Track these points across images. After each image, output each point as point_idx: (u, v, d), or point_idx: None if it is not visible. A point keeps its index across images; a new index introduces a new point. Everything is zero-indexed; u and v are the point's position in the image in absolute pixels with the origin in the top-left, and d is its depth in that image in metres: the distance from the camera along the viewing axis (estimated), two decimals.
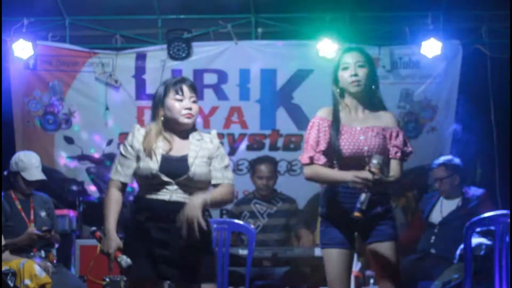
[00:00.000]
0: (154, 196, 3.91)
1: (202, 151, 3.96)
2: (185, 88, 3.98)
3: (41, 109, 7.50)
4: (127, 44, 7.52)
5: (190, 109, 3.96)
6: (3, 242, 5.33)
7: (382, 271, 4.06)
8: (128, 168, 3.98)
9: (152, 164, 3.90)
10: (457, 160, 6.25)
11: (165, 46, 7.35)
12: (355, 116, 4.11)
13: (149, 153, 3.92)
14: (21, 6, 7.09)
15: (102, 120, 7.47)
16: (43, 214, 5.71)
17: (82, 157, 7.49)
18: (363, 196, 3.91)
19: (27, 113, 7.50)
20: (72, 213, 6.57)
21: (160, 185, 3.90)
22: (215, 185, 3.99)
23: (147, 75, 7.48)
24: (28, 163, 5.65)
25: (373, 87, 4.12)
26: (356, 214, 3.89)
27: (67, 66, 7.49)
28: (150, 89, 7.47)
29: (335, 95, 4.15)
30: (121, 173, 3.98)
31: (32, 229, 5.47)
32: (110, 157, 7.45)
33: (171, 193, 3.90)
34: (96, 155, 7.48)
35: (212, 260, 4.01)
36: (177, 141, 3.99)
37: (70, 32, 7.47)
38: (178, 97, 3.96)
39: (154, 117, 4.03)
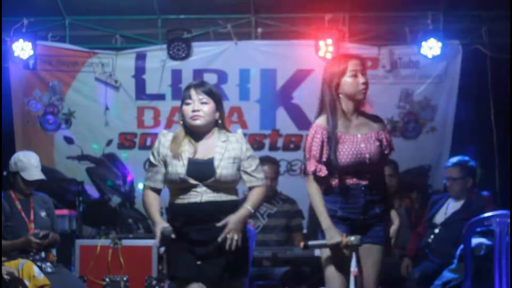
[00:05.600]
0: (186, 201, 4.06)
1: (228, 153, 4.11)
2: (192, 92, 4.13)
3: (41, 109, 7.50)
4: (127, 44, 7.52)
5: (197, 110, 4.09)
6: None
7: (368, 272, 4.18)
8: (157, 173, 4.14)
9: (180, 169, 4.05)
10: (473, 163, 6.18)
11: (165, 46, 7.36)
12: (351, 122, 4.20)
13: (176, 158, 4.07)
14: (21, 6, 7.09)
15: (102, 120, 7.47)
16: (43, 214, 5.70)
17: (82, 157, 7.50)
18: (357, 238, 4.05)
19: (27, 113, 7.50)
20: (72, 213, 6.56)
21: (189, 189, 4.05)
22: (250, 188, 4.22)
23: (147, 75, 7.49)
24: (28, 163, 5.64)
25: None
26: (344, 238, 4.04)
27: (67, 66, 7.49)
28: (150, 89, 7.47)
29: (332, 100, 4.19)
30: (154, 180, 4.15)
31: (32, 236, 5.45)
32: (110, 157, 7.46)
33: (201, 195, 4.06)
34: (96, 155, 7.49)
35: (247, 256, 4.21)
36: (201, 143, 4.13)
37: (70, 32, 7.47)
38: (187, 101, 4.13)
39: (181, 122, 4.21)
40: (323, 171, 4.11)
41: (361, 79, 4.18)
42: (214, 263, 4.02)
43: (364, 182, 4.13)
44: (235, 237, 4.01)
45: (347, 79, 4.18)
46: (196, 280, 4.02)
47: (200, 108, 4.09)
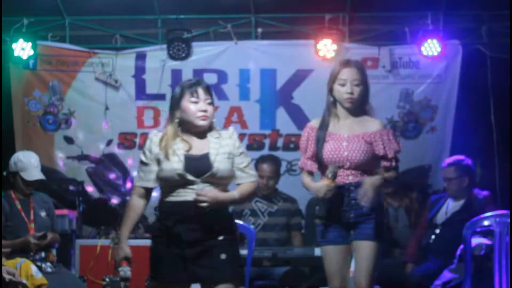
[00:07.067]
0: (181, 198, 3.97)
1: (222, 148, 4.04)
2: (200, 91, 4.05)
3: (41, 109, 7.50)
4: (127, 44, 7.52)
5: (205, 111, 4.04)
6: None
7: (358, 269, 4.33)
8: (150, 173, 4.05)
9: (176, 164, 3.97)
10: (468, 161, 6.19)
11: (165, 46, 7.35)
12: (343, 124, 4.42)
13: (171, 154, 3.99)
14: (21, 6, 7.09)
15: (102, 120, 7.47)
16: (43, 214, 5.71)
17: (82, 157, 7.50)
18: (330, 169, 4.30)
19: (27, 113, 7.50)
20: (72, 213, 6.56)
21: (185, 186, 3.97)
22: (239, 184, 4.10)
23: (147, 75, 7.48)
24: (27, 163, 5.64)
25: (365, 99, 4.44)
26: (325, 181, 4.28)
27: (67, 66, 7.49)
28: (150, 89, 7.48)
29: (328, 103, 4.46)
30: (143, 178, 4.07)
31: (30, 236, 5.45)
32: (110, 157, 7.46)
33: None
34: (96, 155, 7.49)
35: (237, 261, 4.09)
36: (195, 140, 4.07)
37: (70, 32, 7.47)
38: (193, 99, 4.04)
39: (171, 120, 4.12)
40: (308, 166, 4.44)
41: (347, 89, 4.36)
42: (204, 263, 3.94)
43: (348, 181, 4.33)
44: (205, 204, 3.90)
45: (336, 86, 4.42)
46: (182, 283, 3.98)
47: (207, 108, 4.05)
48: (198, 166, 3.97)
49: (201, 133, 4.08)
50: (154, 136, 4.10)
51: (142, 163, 4.07)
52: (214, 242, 3.95)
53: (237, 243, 4.08)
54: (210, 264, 3.94)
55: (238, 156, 4.08)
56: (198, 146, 4.04)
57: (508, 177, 6.69)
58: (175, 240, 3.95)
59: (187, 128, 4.07)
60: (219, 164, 3.99)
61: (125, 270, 3.97)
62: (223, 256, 3.93)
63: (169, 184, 4.00)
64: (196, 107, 4.04)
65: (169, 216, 3.98)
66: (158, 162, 4.01)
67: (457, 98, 7.33)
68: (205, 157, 4.00)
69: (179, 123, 4.08)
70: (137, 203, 4.08)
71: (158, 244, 4.02)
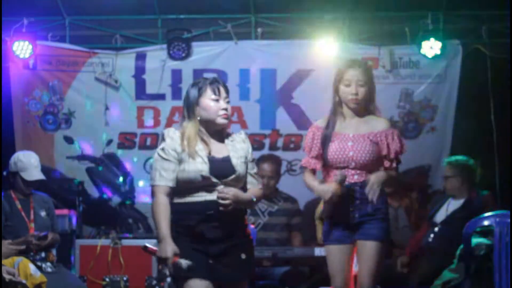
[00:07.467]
0: (201, 198, 3.94)
1: (239, 152, 4.04)
2: (221, 88, 4.02)
3: (41, 109, 7.50)
4: (127, 44, 7.52)
5: (226, 109, 4.01)
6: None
7: (361, 268, 4.35)
8: (173, 172, 3.95)
9: (200, 166, 3.92)
10: (466, 161, 6.20)
11: (165, 46, 7.35)
12: (349, 123, 4.44)
13: (194, 155, 3.93)
14: (21, 6, 7.09)
15: (102, 120, 7.47)
16: (43, 214, 5.71)
17: (82, 157, 7.50)
18: (339, 174, 4.34)
19: (27, 113, 7.49)
20: (72, 213, 6.56)
21: (208, 187, 3.93)
22: (247, 188, 4.09)
23: (147, 75, 7.48)
24: (27, 163, 5.65)
25: (371, 99, 4.46)
26: (333, 185, 4.31)
27: (67, 66, 7.49)
28: (150, 89, 7.47)
29: (334, 103, 4.49)
30: (166, 178, 3.95)
31: (31, 237, 5.45)
32: (110, 157, 7.46)
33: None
34: (96, 155, 7.48)
35: (254, 260, 4.14)
36: (213, 142, 4.03)
37: (70, 32, 7.47)
38: (214, 97, 4.00)
39: (189, 118, 4.03)
40: (312, 165, 4.48)
41: (352, 90, 4.40)
42: (226, 262, 3.93)
43: (353, 181, 4.35)
44: (227, 202, 3.88)
45: (341, 87, 4.45)
46: (208, 279, 3.89)
47: (227, 106, 4.01)
48: (222, 169, 3.95)
49: (217, 133, 4.05)
50: (174, 134, 4.00)
51: (164, 160, 3.95)
52: (234, 240, 3.95)
53: (252, 241, 4.09)
54: (232, 263, 3.94)
55: (251, 162, 4.09)
56: (217, 148, 4.02)
57: (508, 177, 6.69)
58: (199, 239, 3.91)
59: (205, 126, 4.02)
60: (240, 167, 4.00)
61: (183, 261, 3.86)
62: (243, 256, 3.96)
63: (189, 185, 3.94)
64: (217, 105, 3.99)
65: (190, 216, 3.92)
66: (180, 161, 3.95)
67: (457, 98, 7.33)
68: (227, 160, 3.99)
69: (199, 122, 4.01)
70: (165, 201, 3.93)
71: (179, 244, 3.90)
